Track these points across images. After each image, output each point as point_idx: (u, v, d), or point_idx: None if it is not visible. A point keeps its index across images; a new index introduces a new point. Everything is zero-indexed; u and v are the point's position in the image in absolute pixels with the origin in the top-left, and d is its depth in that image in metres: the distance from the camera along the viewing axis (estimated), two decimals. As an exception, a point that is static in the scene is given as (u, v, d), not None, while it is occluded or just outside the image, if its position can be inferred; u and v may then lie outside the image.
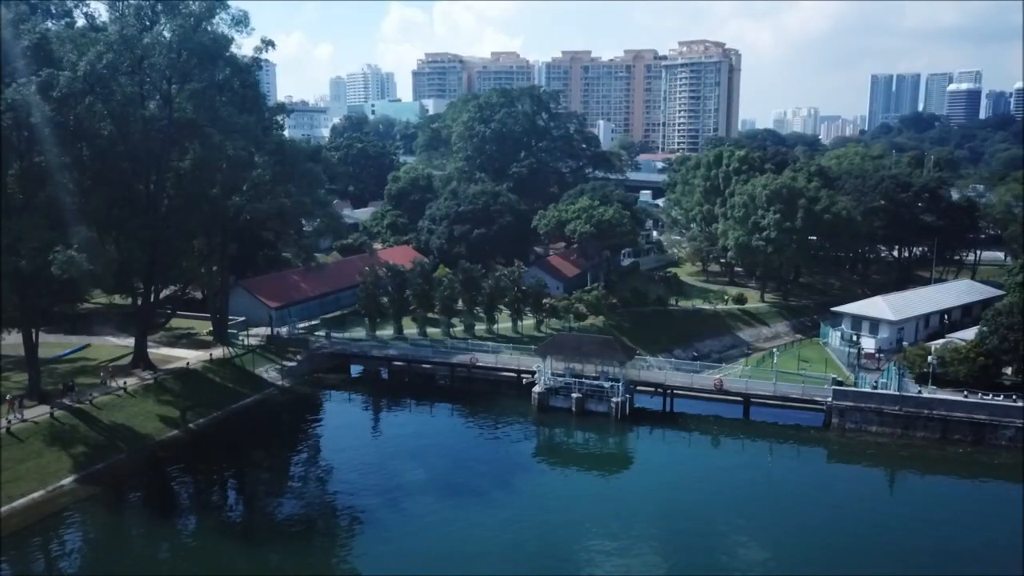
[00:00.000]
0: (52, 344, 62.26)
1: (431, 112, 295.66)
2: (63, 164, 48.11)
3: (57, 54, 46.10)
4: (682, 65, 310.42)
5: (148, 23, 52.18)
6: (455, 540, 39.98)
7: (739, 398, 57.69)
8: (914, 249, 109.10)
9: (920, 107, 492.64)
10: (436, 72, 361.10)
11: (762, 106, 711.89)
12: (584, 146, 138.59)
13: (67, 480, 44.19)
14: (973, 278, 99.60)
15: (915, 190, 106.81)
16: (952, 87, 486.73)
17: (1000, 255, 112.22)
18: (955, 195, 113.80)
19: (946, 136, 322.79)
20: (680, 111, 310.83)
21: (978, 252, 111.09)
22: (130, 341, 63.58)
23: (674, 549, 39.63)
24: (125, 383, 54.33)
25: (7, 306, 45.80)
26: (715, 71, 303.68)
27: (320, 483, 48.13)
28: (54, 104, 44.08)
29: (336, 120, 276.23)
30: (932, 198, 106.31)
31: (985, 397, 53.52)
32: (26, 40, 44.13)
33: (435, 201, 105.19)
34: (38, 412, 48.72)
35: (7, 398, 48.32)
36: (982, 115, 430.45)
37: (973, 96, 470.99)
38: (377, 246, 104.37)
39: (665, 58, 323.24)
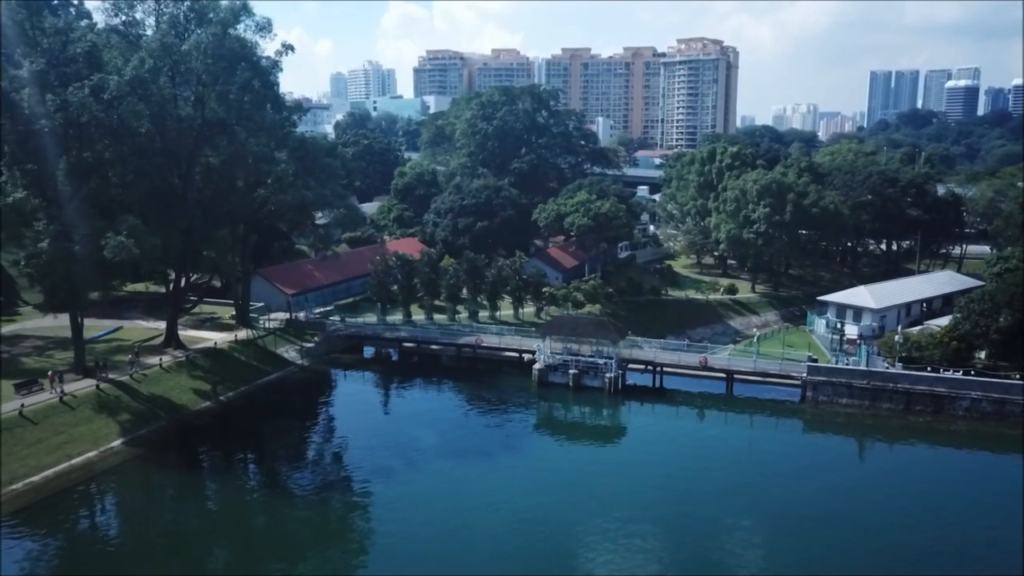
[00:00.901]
0: (87, 327, 66.64)
1: (432, 108, 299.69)
2: (106, 159, 53.23)
3: (105, 59, 51.03)
4: (680, 62, 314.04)
5: (182, 29, 57.17)
6: (461, 484, 46.03)
7: (723, 374, 62.75)
8: (902, 243, 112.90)
9: (919, 104, 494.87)
10: (437, 69, 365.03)
11: (762, 102, 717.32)
12: (583, 143, 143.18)
13: (116, 443, 49.36)
14: (959, 271, 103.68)
15: (902, 185, 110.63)
16: (950, 84, 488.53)
17: (987, 249, 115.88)
18: (941, 190, 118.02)
19: (943, 132, 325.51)
20: (678, 108, 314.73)
21: (964, 246, 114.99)
22: (158, 324, 68.76)
23: (655, 500, 44.40)
24: (161, 360, 59.41)
25: (59, 290, 50.71)
26: (713, 68, 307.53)
27: (340, 445, 53.67)
28: (103, 105, 48.94)
29: (340, 116, 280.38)
30: (919, 193, 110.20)
31: (945, 372, 58.49)
32: (79, 47, 49.05)
33: (440, 195, 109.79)
34: (84, 385, 53.77)
35: (48, 373, 53.27)
36: (980, 111, 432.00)
37: (971, 93, 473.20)
38: (384, 238, 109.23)
39: (664, 55, 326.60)
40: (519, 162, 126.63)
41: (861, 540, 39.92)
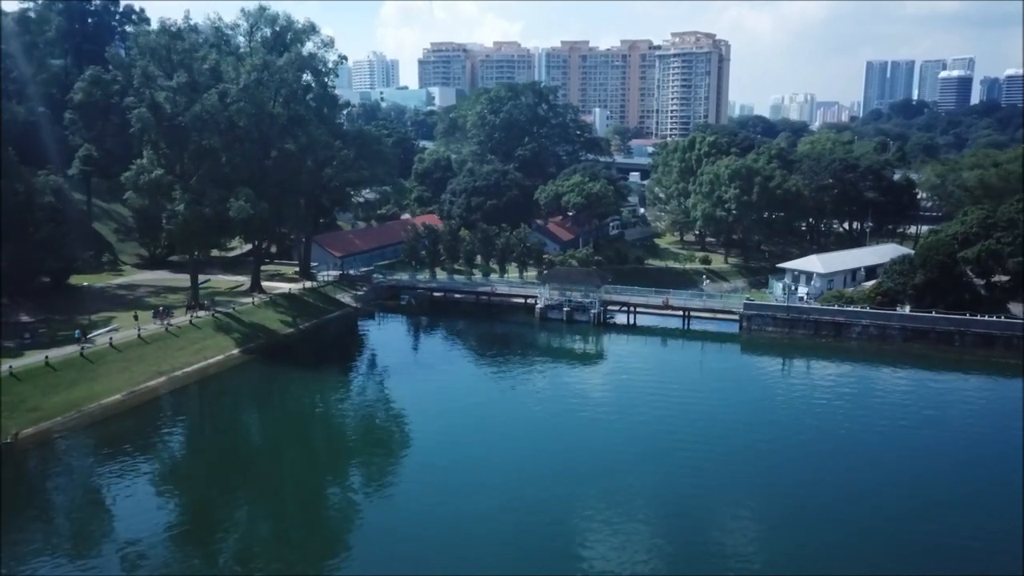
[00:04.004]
0: (183, 279, 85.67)
1: (437, 99, 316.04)
2: (216, 146, 71.60)
3: (222, 70, 69.65)
4: (674, 55, 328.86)
5: (269, 46, 75.73)
6: (479, 377, 66.06)
7: (681, 312, 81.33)
8: (865, 223, 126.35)
9: (914, 93, 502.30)
10: (441, 61, 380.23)
11: (761, 92, 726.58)
12: (578, 133, 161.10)
13: (235, 351, 68.39)
14: (915, 247, 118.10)
15: (861, 171, 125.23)
16: (944, 74, 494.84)
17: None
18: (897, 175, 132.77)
19: (933, 122, 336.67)
20: (672, 99, 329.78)
21: (919, 225, 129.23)
22: (238, 278, 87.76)
23: (625, 394, 63.09)
24: (253, 300, 78.26)
25: (191, 244, 69.43)
26: (705, 61, 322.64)
27: (392, 355, 73.23)
28: (223, 106, 67.27)
29: (351, 107, 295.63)
30: (876, 178, 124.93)
31: (843, 307, 76.86)
32: (206, 64, 67.33)
33: (455, 178, 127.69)
34: (200, 316, 72.22)
35: (159, 309, 71.29)
36: (976, 100, 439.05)
37: (964, 83, 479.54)
38: (405, 216, 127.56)
39: (659, 48, 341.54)
40: (523, 150, 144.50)
41: (773, 422, 57.13)
